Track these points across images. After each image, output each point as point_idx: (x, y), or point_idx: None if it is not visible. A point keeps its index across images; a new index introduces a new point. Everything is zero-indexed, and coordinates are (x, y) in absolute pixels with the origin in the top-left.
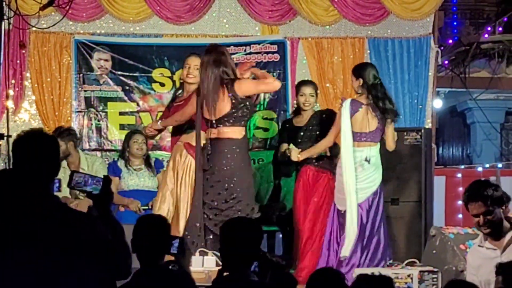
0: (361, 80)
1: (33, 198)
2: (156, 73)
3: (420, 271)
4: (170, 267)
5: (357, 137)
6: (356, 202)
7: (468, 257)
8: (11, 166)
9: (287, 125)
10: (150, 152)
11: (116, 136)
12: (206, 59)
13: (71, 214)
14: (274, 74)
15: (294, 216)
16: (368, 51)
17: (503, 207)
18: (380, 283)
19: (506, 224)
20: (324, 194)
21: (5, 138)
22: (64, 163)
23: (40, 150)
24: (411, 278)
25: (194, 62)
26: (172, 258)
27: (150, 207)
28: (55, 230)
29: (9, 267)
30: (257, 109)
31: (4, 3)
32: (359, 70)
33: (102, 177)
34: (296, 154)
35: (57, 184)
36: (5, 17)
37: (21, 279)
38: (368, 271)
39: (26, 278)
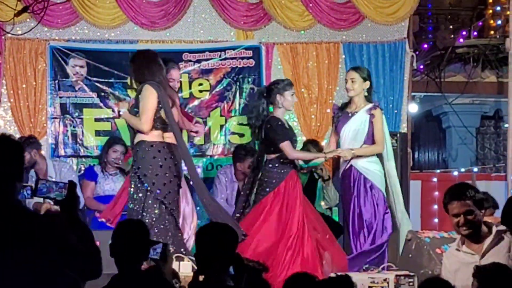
0: (368, 83)
1: None
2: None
3: (397, 275)
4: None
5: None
6: None
7: (445, 261)
8: None
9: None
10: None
11: (92, 142)
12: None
13: (33, 219)
14: (249, 79)
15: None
16: (343, 56)
17: (483, 211)
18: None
19: (484, 228)
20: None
21: None
22: (33, 171)
23: (3, 154)
24: (388, 283)
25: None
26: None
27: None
28: (13, 235)
29: None
30: (232, 114)
31: None
32: (368, 73)
33: (67, 182)
34: (350, 153)
35: (29, 191)
36: None
37: None
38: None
39: None
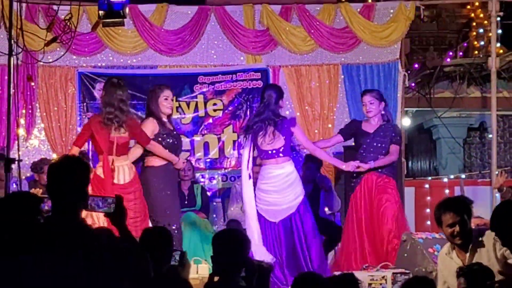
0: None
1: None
2: None
3: (393, 273)
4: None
5: None
6: None
7: (439, 263)
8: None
9: (357, 128)
10: None
11: None
12: None
13: (94, 238)
14: (258, 99)
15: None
16: (342, 76)
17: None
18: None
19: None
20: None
21: (17, 162)
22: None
23: (74, 176)
24: (385, 280)
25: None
26: None
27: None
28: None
29: None
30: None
31: (12, 40)
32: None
33: (114, 197)
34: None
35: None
36: (13, 53)
37: None
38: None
39: None
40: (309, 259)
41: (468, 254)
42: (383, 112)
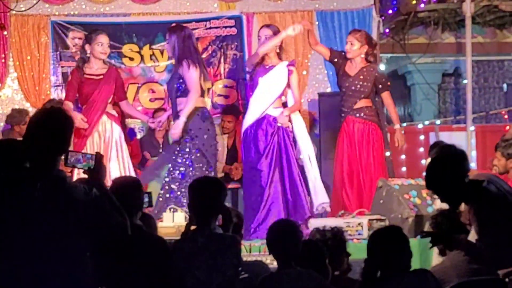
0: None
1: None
2: (125, 49)
3: (369, 220)
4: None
5: None
6: None
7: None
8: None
9: (341, 65)
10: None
11: None
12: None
13: (73, 189)
14: (232, 46)
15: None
16: (317, 23)
17: None
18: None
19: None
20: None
21: None
22: None
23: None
24: (361, 226)
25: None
26: None
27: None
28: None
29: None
30: (218, 78)
31: None
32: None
33: (94, 153)
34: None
35: None
36: None
37: (18, 260)
38: (321, 222)
39: (23, 258)
40: None
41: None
42: (363, 56)
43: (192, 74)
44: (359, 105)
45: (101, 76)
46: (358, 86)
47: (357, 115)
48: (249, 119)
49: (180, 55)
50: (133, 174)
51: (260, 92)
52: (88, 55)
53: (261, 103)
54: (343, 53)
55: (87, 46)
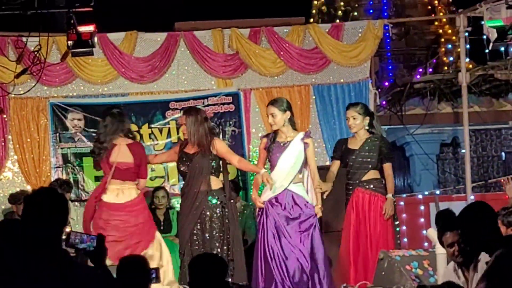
0: (289, 113)
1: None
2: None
3: None
4: None
5: None
6: None
7: (445, 279)
8: None
9: (343, 146)
10: None
11: (92, 187)
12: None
13: (78, 270)
14: (231, 122)
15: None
16: (314, 97)
17: None
18: None
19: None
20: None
21: None
22: None
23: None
24: None
25: None
26: None
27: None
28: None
29: None
30: None
31: None
32: (287, 104)
33: (96, 236)
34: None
35: None
36: None
37: None
38: None
39: None
40: None
41: (471, 273)
42: (366, 128)
43: None
44: (367, 177)
45: None
46: (365, 159)
47: (367, 186)
48: (268, 194)
49: None
50: None
51: (279, 170)
52: None
53: (281, 180)
54: (338, 141)
55: None
